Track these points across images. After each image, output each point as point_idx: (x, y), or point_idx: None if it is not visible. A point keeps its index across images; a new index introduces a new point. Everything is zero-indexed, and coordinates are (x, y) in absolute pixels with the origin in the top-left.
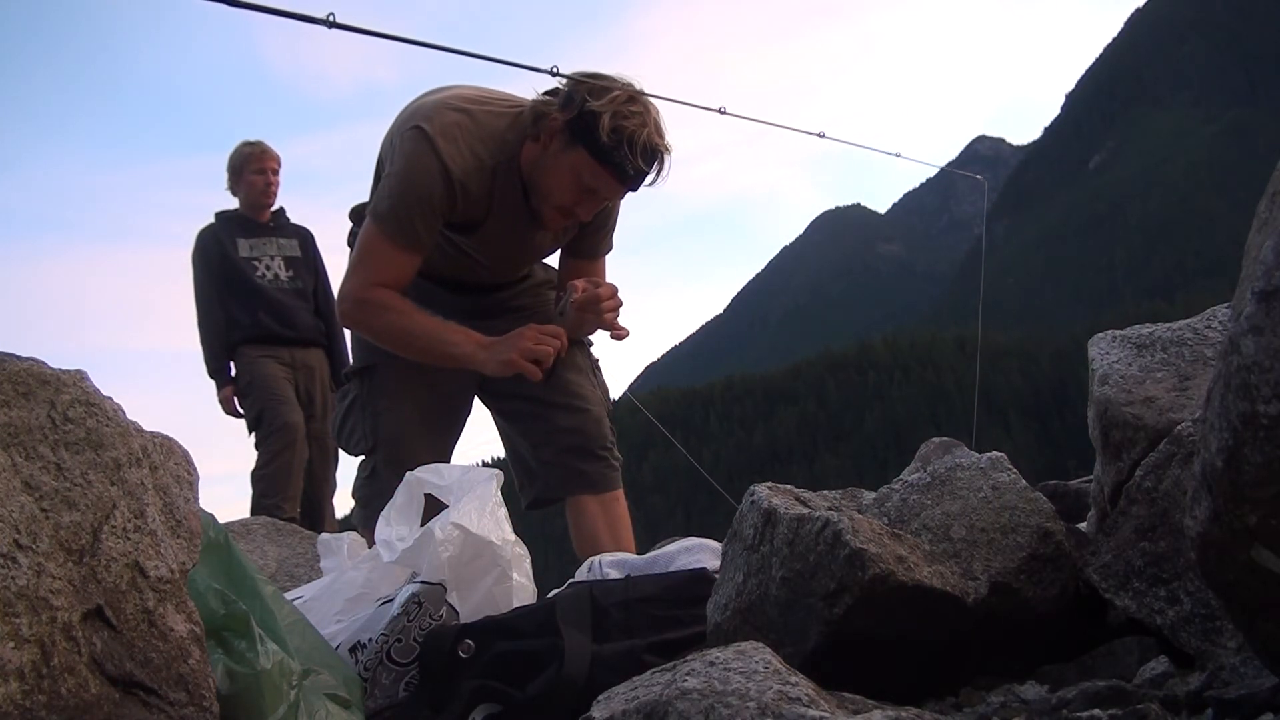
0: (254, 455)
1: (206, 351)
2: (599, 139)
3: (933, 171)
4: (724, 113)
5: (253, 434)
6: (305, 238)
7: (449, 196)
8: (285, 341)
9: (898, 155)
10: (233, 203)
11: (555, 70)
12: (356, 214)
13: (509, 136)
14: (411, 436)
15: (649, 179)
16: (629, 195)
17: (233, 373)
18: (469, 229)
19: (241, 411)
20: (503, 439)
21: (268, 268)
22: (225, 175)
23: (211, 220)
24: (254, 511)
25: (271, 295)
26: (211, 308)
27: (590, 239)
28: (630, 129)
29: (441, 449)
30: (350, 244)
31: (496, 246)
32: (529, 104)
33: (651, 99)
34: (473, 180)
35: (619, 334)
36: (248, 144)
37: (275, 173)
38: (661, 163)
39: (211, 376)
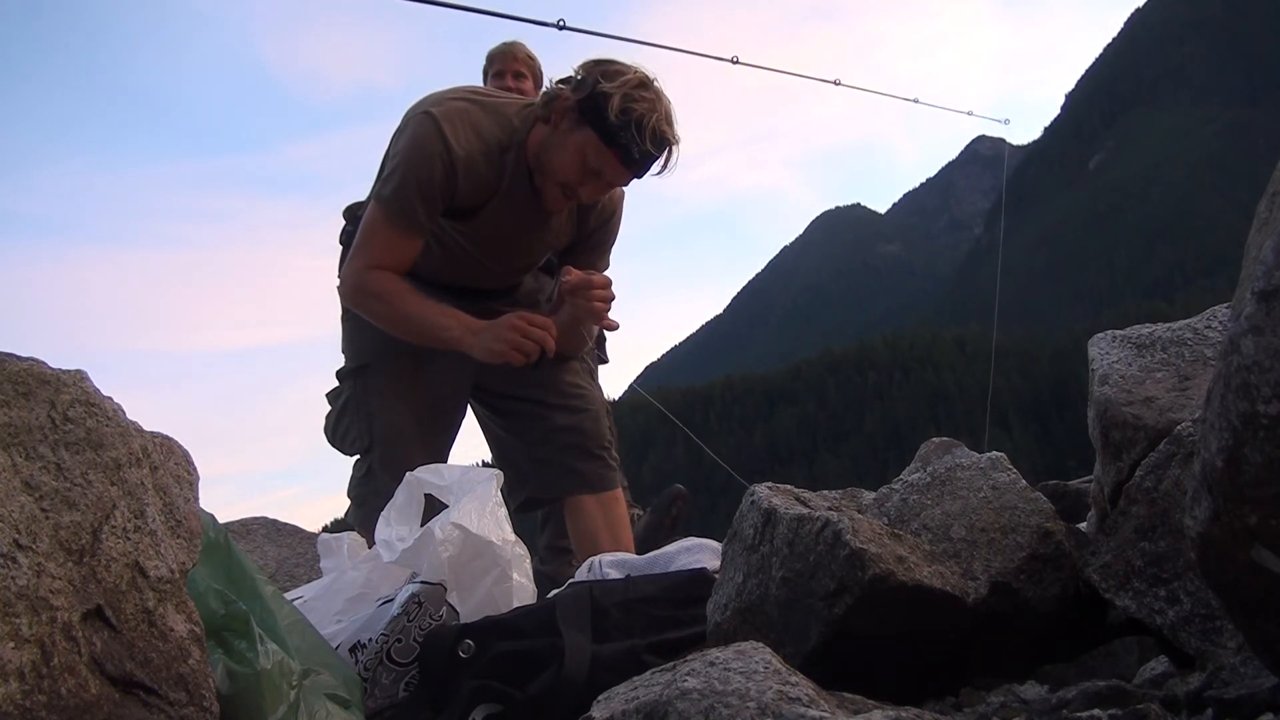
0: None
1: None
2: (607, 119)
3: (953, 116)
4: (736, 62)
5: None
6: None
7: (450, 178)
8: None
9: (915, 100)
10: None
11: (562, 24)
12: (350, 213)
13: (516, 123)
14: (407, 436)
15: (655, 168)
16: (632, 187)
17: None
18: (471, 214)
19: None
20: (489, 440)
21: None
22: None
23: None
24: None
25: None
26: None
27: (587, 255)
28: (639, 112)
29: (437, 449)
30: (342, 242)
31: (496, 234)
32: (541, 94)
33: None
34: (477, 163)
35: (609, 325)
36: None
37: None
38: (669, 153)
39: None
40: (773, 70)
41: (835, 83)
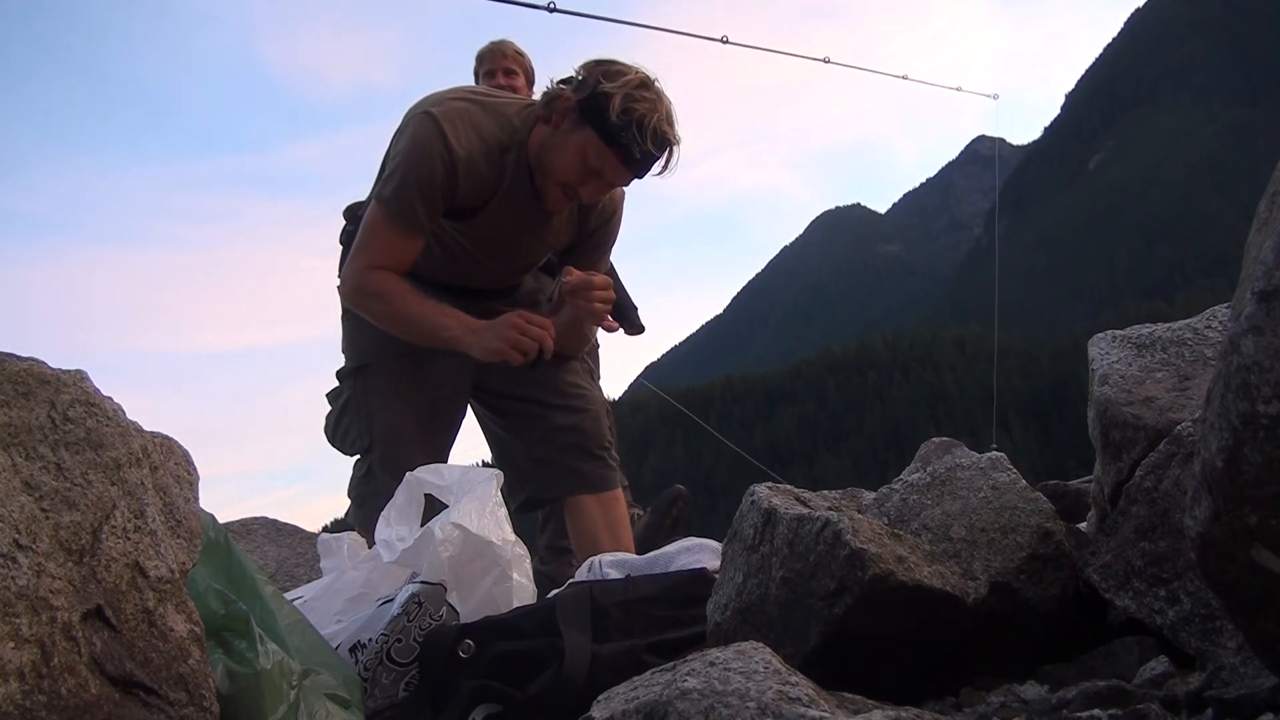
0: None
1: None
2: (608, 119)
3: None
4: (726, 41)
5: None
6: None
7: (450, 178)
8: None
9: (904, 78)
10: None
11: (552, 6)
12: (351, 213)
13: (517, 123)
14: (407, 436)
15: (655, 168)
16: (632, 187)
17: None
18: (471, 214)
19: None
20: (489, 440)
21: None
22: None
23: None
24: None
25: None
26: None
27: (588, 256)
28: (640, 112)
29: (437, 449)
30: (342, 242)
31: (496, 234)
32: (542, 94)
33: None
34: (478, 163)
35: (609, 326)
36: None
37: None
38: (669, 153)
39: None
40: (763, 49)
41: (825, 60)
